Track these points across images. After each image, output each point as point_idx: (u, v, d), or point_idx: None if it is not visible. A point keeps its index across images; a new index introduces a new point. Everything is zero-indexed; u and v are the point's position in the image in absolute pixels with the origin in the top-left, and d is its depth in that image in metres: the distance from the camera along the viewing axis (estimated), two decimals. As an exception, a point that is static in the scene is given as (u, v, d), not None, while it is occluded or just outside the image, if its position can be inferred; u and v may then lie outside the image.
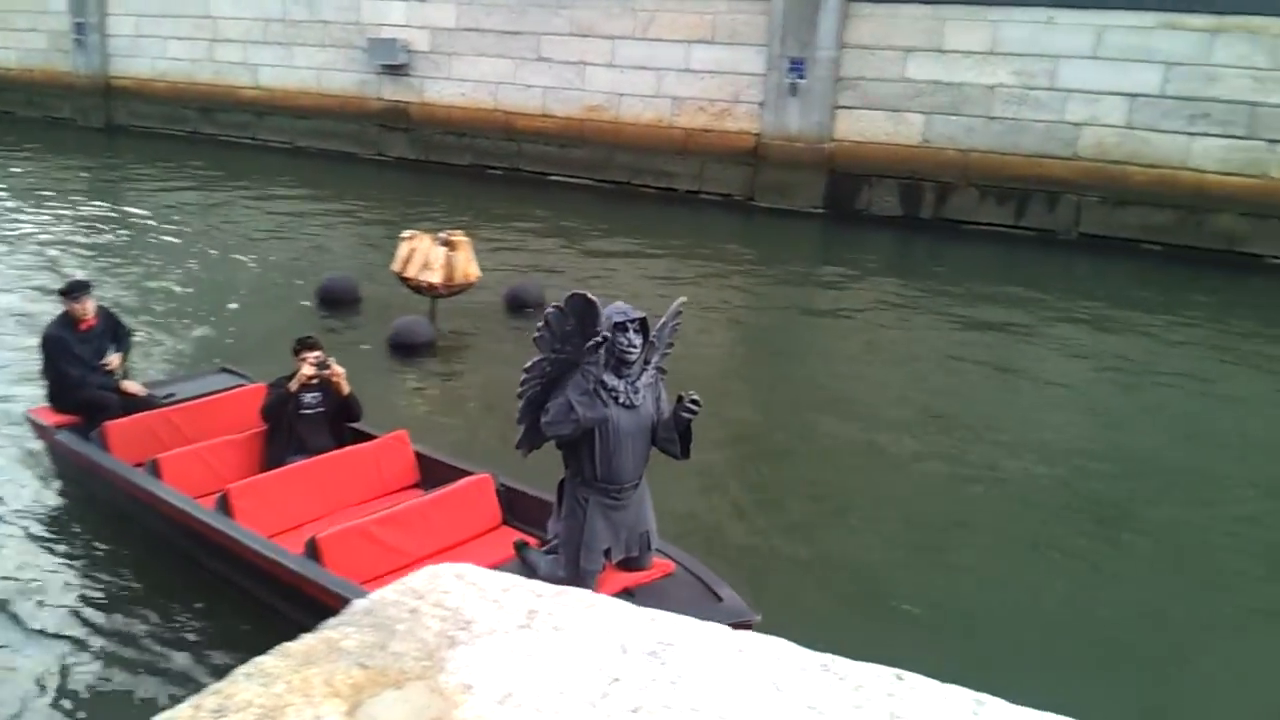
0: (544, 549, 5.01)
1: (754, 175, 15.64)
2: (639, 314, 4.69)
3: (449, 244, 9.88)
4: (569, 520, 4.78)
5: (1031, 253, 13.58)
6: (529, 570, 4.74)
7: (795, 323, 11.33)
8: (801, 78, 14.94)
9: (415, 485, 6.24)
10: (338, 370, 6.34)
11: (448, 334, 10.08)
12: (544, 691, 1.27)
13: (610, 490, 4.72)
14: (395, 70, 18.33)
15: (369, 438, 6.37)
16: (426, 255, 9.80)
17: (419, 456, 6.30)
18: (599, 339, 4.54)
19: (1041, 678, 4.87)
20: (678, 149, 16.15)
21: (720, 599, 4.75)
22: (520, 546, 5.09)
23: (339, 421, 6.45)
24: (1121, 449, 8.01)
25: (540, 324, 4.62)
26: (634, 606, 1.48)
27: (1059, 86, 13.83)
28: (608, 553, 4.79)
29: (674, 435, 4.73)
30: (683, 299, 5.06)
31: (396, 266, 9.98)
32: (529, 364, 4.66)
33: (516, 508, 5.81)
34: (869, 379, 9.47)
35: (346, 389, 6.39)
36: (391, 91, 18.64)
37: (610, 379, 4.62)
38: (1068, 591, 5.97)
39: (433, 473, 6.19)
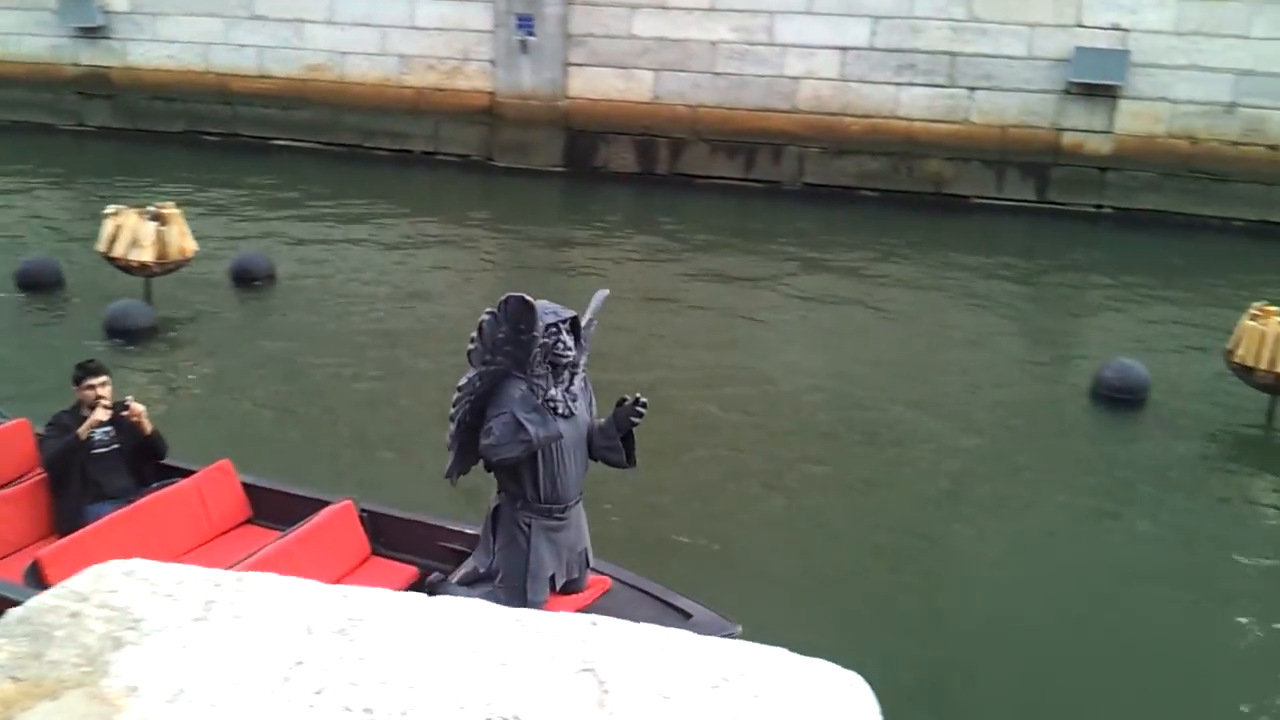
0: (462, 581, 4.46)
1: (491, 135, 15.43)
2: (569, 313, 4.29)
3: (159, 218, 9.21)
4: (509, 550, 4.31)
5: (761, 203, 14.10)
6: None
7: (541, 282, 11.30)
8: (531, 34, 14.81)
9: (248, 521, 5.52)
10: (137, 409, 5.52)
11: (170, 317, 9.42)
12: (218, 684, 1.17)
13: (554, 511, 4.31)
14: (91, 33, 16.84)
15: (184, 472, 5.54)
16: (135, 232, 9.09)
17: (247, 487, 5.56)
18: (544, 342, 4.13)
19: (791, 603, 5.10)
20: (409, 109, 15.69)
21: (689, 615, 4.40)
22: (436, 587, 4.45)
23: (139, 459, 5.63)
24: (852, 378, 8.49)
25: (473, 334, 4.19)
26: (323, 585, 1.38)
27: (777, 41, 14.34)
28: (552, 579, 4.38)
29: (616, 442, 4.36)
30: (604, 291, 4.58)
31: (102, 246, 9.22)
32: (461, 381, 4.22)
33: (385, 534, 5.23)
34: (619, 330, 9.59)
35: (149, 428, 5.57)
36: (89, 56, 17.11)
37: (549, 388, 4.22)
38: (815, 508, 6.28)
39: (267, 504, 5.50)
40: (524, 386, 4.15)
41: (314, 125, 16.06)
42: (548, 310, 4.23)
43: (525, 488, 4.25)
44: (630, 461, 4.44)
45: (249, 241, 11.53)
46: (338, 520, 5.13)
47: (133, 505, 5.20)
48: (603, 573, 4.65)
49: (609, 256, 11.82)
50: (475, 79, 15.43)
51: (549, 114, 15.10)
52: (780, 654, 1.17)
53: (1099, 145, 13.58)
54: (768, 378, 8.53)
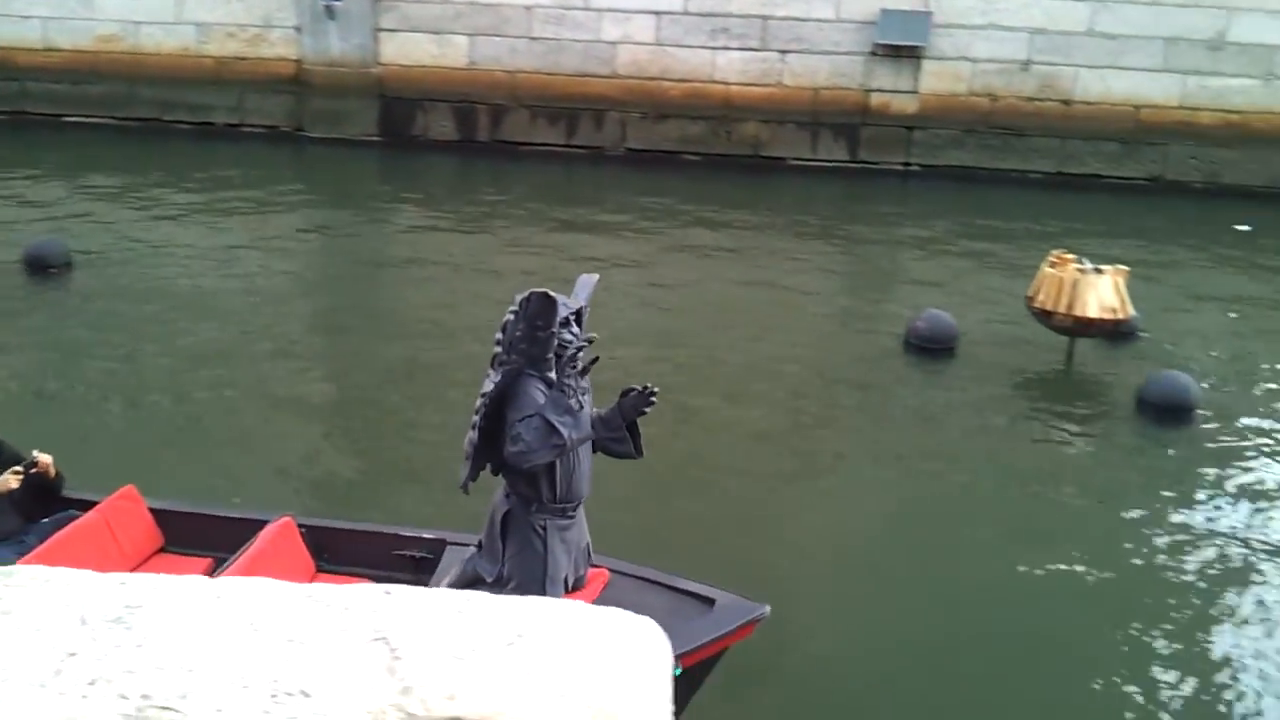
0: (457, 587, 4.15)
1: (299, 104, 14.86)
2: (577, 303, 4.03)
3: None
4: (524, 555, 4.05)
5: (585, 170, 14.07)
6: None
7: (360, 255, 11.00)
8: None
9: (161, 550, 5.04)
10: (44, 461, 4.99)
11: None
12: (-17, 684, 1.08)
13: (568, 510, 4.11)
14: None
15: (85, 504, 5.00)
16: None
17: (156, 513, 5.06)
18: (566, 336, 3.92)
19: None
20: (211, 79, 14.94)
21: (712, 600, 4.29)
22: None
23: (31, 499, 5.04)
24: (678, 341, 8.60)
25: (497, 335, 3.92)
26: (99, 574, 1.29)
27: (593, 6, 14.27)
28: (565, 580, 4.17)
29: (622, 433, 4.16)
30: (594, 276, 4.24)
31: None
32: (487, 387, 3.91)
33: (330, 550, 4.83)
34: (443, 306, 9.42)
35: (54, 472, 5.06)
36: None
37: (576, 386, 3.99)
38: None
39: (185, 529, 5.01)
40: (543, 385, 3.89)
41: (108, 100, 15.10)
42: (561, 303, 3.97)
43: (542, 490, 4.01)
44: (639, 451, 4.24)
45: (42, 225, 10.80)
46: (280, 540, 4.61)
47: (38, 552, 4.63)
48: (597, 565, 4.44)
49: (431, 226, 11.60)
50: (280, 46, 14.80)
51: (361, 81, 14.64)
52: (576, 606, 1.15)
53: (905, 105, 14.09)
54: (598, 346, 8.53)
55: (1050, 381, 8.53)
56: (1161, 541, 6.20)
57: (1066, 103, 13.91)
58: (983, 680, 4.96)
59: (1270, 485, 6.89)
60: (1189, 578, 5.86)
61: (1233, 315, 10.02)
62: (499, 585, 4.02)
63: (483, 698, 1.01)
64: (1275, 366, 8.91)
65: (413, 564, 4.69)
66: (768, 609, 4.26)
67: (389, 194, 13.14)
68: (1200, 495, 6.77)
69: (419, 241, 11.19)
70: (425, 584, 4.33)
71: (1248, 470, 7.08)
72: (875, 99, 14.11)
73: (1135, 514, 6.53)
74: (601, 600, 4.08)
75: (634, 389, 4.07)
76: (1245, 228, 12.49)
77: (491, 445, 3.99)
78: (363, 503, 6.14)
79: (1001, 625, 5.40)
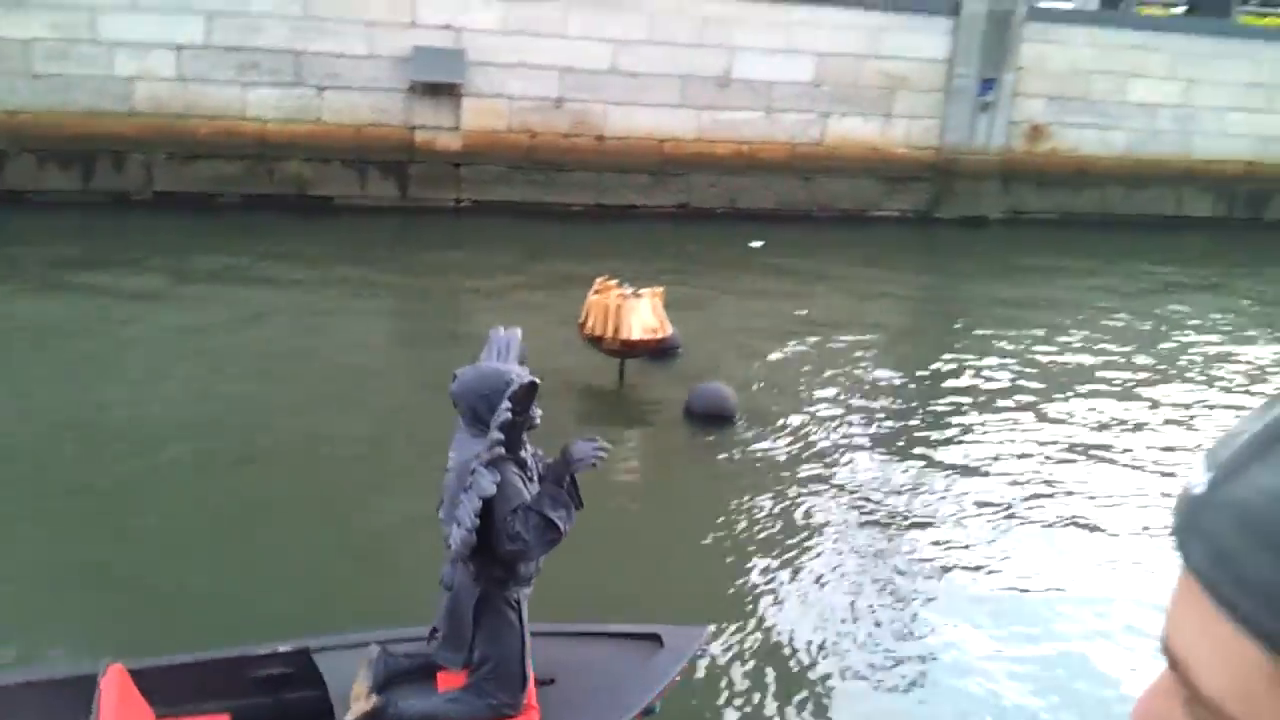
0: (415, 695, 3.88)
1: None
2: (530, 377, 3.76)
3: None
4: (500, 633, 3.82)
5: (108, 218, 12.79)
6: None
7: None
8: None
9: None
10: None
11: None
12: None
13: (533, 578, 3.95)
14: None
15: None
16: None
17: None
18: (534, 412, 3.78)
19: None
20: None
21: (658, 636, 4.30)
22: (385, 712, 3.78)
23: None
24: (238, 398, 8.01)
25: (498, 435, 3.60)
26: None
27: (103, 39, 13.06)
28: None
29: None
30: (517, 330, 4.15)
31: None
32: (509, 499, 3.62)
33: (168, 690, 3.94)
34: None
35: None
36: None
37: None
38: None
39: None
40: (516, 468, 3.74)
41: None
42: (518, 375, 3.79)
43: (521, 570, 3.85)
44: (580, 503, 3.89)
45: None
46: (115, 699, 3.64)
47: None
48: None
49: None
50: None
51: None
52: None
53: (449, 141, 14.23)
54: (142, 418, 7.74)
55: (606, 402, 8.93)
56: (707, 542, 6.65)
57: (599, 138, 14.73)
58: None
59: (803, 474, 7.64)
60: (741, 566, 6.34)
61: (756, 321, 11.09)
62: (474, 670, 3.87)
63: None
64: (795, 366, 9.92)
65: (272, 684, 4.13)
66: (710, 629, 4.49)
67: None
68: (744, 487, 7.35)
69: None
70: (291, 703, 4.13)
71: (781, 462, 7.82)
72: (420, 136, 14.13)
73: (692, 512, 6.96)
74: (550, 661, 4.13)
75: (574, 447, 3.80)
76: (758, 244, 13.90)
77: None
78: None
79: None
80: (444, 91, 13.97)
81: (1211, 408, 9.65)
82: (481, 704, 3.82)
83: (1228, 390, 10.23)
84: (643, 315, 8.54)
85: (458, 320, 11.01)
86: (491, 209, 14.17)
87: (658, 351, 9.05)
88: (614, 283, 8.78)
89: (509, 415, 3.63)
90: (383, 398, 8.52)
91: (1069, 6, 19.18)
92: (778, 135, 15.59)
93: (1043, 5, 17.54)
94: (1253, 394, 10.19)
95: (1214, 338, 11.92)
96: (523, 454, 3.83)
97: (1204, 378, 10.52)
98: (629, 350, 8.69)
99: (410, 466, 7.25)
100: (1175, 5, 20.86)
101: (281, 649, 4.23)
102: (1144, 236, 16.75)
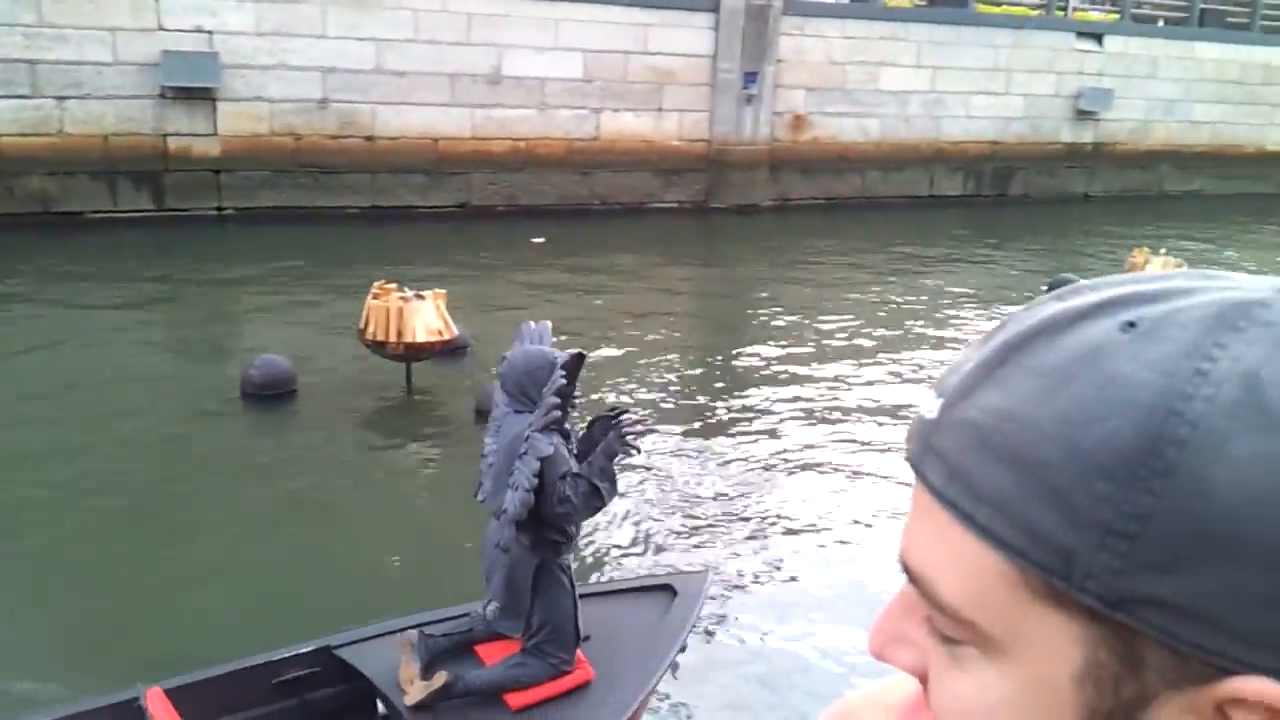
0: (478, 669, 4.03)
1: None
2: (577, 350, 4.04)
3: None
4: (560, 598, 4.04)
5: None
6: (487, 696, 3.94)
7: None
8: None
9: None
10: None
11: None
12: None
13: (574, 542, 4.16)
14: None
15: None
16: None
17: None
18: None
19: None
20: None
21: (670, 586, 4.60)
22: (454, 686, 3.89)
23: None
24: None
25: (555, 401, 3.82)
26: None
27: None
28: None
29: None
30: (546, 323, 4.42)
31: None
32: (549, 452, 3.78)
33: (199, 708, 3.89)
34: None
35: None
36: None
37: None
38: None
39: None
40: (561, 438, 3.89)
41: None
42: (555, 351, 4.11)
43: (571, 532, 4.04)
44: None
45: None
46: None
47: None
48: None
49: None
50: None
51: None
52: None
53: (207, 148, 13.53)
54: None
55: (395, 408, 8.67)
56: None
57: (369, 139, 14.34)
58: None
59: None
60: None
61: (540, 317, 11.02)
62: (532, 635, 4.03)
63: None
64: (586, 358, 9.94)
65: (299, 685, 4.20)
66: (711, 573, 4.88)
67: None
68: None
69: None
70: (316, 702, 4.20)
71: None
72: (174, 143, 13.37)
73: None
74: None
75: (612, 418, 4.01)
76: (540, 239, 13.88)
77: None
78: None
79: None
80: (198, 96, 13.27)
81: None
82: (543, 665, 4.04)
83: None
84: (426, 317, 8.34)
85: (228, 336, 10.46)
86: (259, 216, 13.55)
87: (445, 353, 8.86)
88: (393, 286, 8.53)
89: (563, 382, 3.86)
90: (152, 427, 7.99)
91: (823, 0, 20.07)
92: (553, 131, 15.61)
93: (798, -1, 18.28)
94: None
95: (954, 306, 12.74)
96: (566, 425, 4.02)
97: (954, 337, 11.22)
98: (415, 353, 8.47)
99: (192, 511, 6.83)
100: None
101: (304, 649, 4.29)
102: (902, 216, 17.72)
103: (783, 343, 10.73)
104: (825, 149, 17.94)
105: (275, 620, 5.50)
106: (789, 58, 17.22)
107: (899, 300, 12.83)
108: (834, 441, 8.20)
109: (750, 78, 16.79)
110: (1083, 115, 20.27)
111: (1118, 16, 21.89)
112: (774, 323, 11.48)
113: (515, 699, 3.96)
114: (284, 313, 10.60)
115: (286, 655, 4.26)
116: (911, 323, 11.77)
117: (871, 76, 18.09)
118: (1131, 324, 0.50)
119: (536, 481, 3.75)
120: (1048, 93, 19.86)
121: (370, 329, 8.34)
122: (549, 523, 3.91)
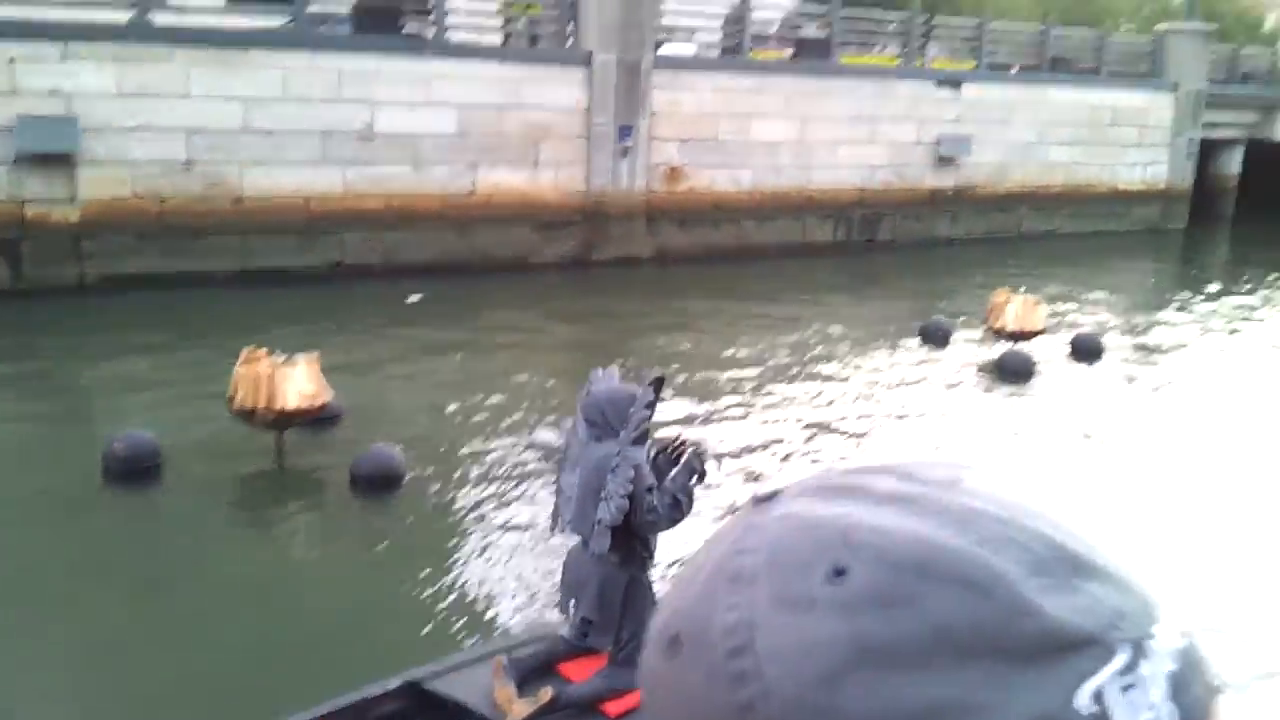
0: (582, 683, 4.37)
1: None
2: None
3: None
4: (640, 609, 4.30)
5: None
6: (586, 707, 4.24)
7: None
8: None
9: None
10: None
11: None
12: None
13: None
14: None
15: None
16: None
17: None
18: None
19: None
20: None
21: None
22: (560, 699, 4.23)
23: None
24: None
25: (646, 413, 4.27)
26: None
27: None
28: None
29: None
30: (614, 368, 4.75)
31: None
32: (644, 478, 4.21)
33: None
34: None
35: None
36: None
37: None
38: None
39: None
40: (644, 459, 4.31)
41: None
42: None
43: (650, 542, 4.43)
44: None
45: None
46: None
47: None
48: None
49: None
50: None
51: None
52: None
53: (67, 214, 13.08)
54: None
55: (266, 479, 8.44)
56: (387, 609, 6.43)
57: (238, 200, 14.06)
58: None
59: (484, 528, 7.56)
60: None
61: (418, 379, 10.94)
62: (621, 647, 4.31)
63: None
64: (467, 421, 9.85)
65: None
66: None
67: None
68: (417, 550, 7.17)
69: None
70: None
71: (456, 520, 7.70)
72: (31, 210, 12.91)
73: (363, 583, 6.69)
74: None
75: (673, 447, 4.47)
76: (416, 297, 13.76)
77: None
78: None
79: None
80: (56, 161, 12.83)
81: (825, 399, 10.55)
82: (632, 673, 4.27)
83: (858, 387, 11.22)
84: (298, 382, 8.16)
85: (90, 411, 10.07)
86: (124, 283, 13.11)
87: (318, 419, 8.67)
88: (263, 351, 8.33)
89: (652, 397, 4.32)
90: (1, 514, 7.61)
91: (691, 53, 20.50)
92: (429, 188, 15.54)
93: (668, 54, 18.64)
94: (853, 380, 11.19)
95: (828, 351, 13.05)
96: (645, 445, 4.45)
97: (833, 377, 11.49)
98: (286, 421, 8.26)
99: (39, 611, 6.52)
100: (785, 50, 22.78)
101: (392, 684, 4.39)
102: (777, 264, 18.12)
103: (665, 394, 10.80)
104: (700, 199, 18.25)
105: None
106: (662, 110, 17.52)
107: (776, 346, 13.07)
108: (713, 489, 8.27)
109: (625, 131, 17.02)
110: (944, 161, 21.07)
111: (974, 65, 22.89)
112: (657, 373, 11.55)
113: (613, 707, 4.21)
114: (149, 384, 10.26)
115: (373, 694, 4.37)
116: (789, 367, 12.00)
117: (742, 128, 18.51)
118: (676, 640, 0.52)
119: (631, 488, 4.16)
120: (910, 140, 20.59)
121: (239, 397, 8.11)
122: (637, 534, 4.33)
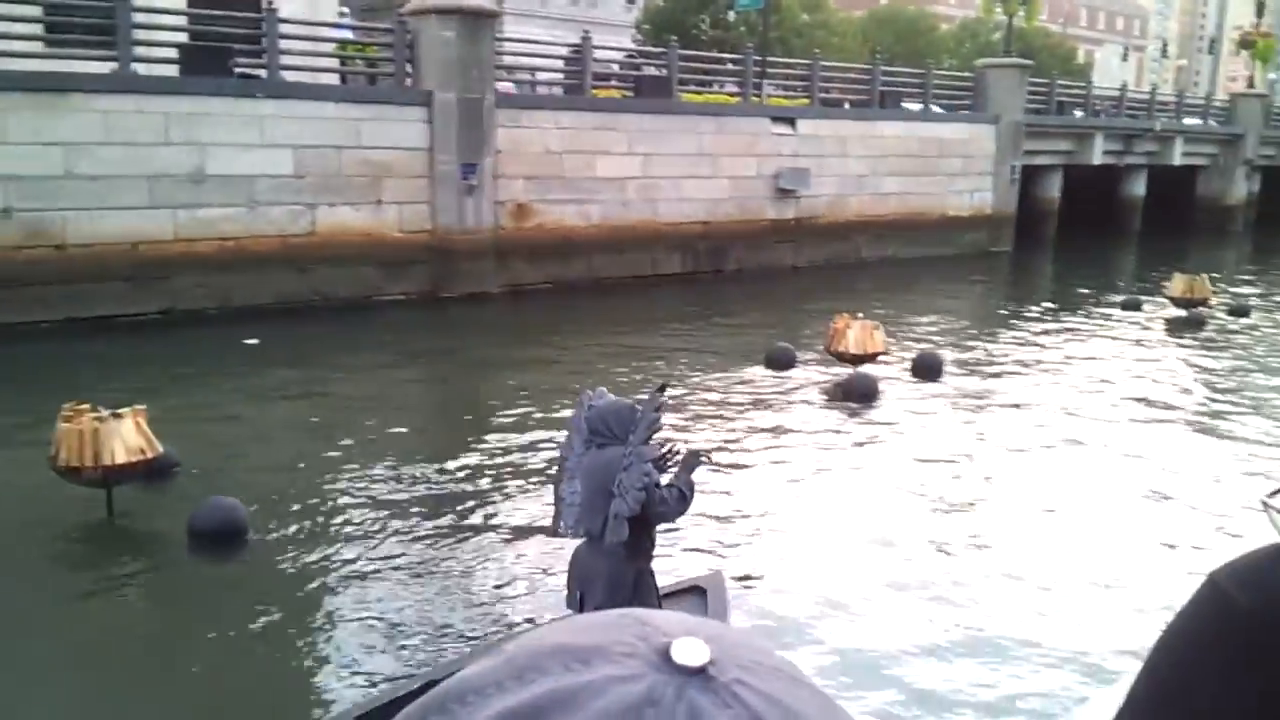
0: None
1: None
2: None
3: None
4: (651, 602, 4.68)
5: None
6: None
7: None
8: None
9: None
10: None
11: None
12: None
13: None
14: None
15: None
16: None
17: None
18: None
19: None
20: None
21: (701, 588, 5.40)
22: None
23: None
24: None
25: (656, 417, 4.64)
26: None
27: None
28: None
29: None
30: (601, 388, 5.04)
31: None
32: (654, 474, 4.59)
33: None
34: None
35: None
36: None
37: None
38: None
39: None
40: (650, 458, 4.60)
41: None
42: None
43: (654, 534, 4.81)
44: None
45: None
46: None
47: None
48: None
49: None
50: None
51: None
52: None
53: None
54: None
55: (96, 539, 7.99)
56: (234, 671, 6.15)
57: (60, 247, 13.40)
58: None
59: (331, 580, 7.30)
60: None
61: (257, 425, 10.56)
62: None
63: None
64: (314, 466, 9.52)
65: None
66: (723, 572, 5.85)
67: None
68: (260, 607, 6.88)
69: None
70: None
71: (304, 573, 7.42)
72: None
73: (201, 649, 6.39)
74: None
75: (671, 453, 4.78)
76: (253, 341, 13.32)
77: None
78: None
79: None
80: None
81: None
82: None
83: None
84: (125, 436, 7.77)
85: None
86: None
87: (149, 474, 8.27)
88: (86, 405, 7.91)
89: (661, 399, 4.72)
90: None
91: (538, 92, 20.63)
92: (266, 229, 15.13)
93: (509, 91, 18.69)
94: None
95: (680, 379, 13.22)
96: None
97: (684, 403, 11.60)
98: (114, 477, 7.85)
99: None
100: (626, 89, 23.10)
101: (416, 685, 4.56)
102: (628, 295, 18.26)
103: (512, 434, 10.72)
104: (550, 234, 18.29)
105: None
106: (507, 148, 17.52)
107: (626, 376, 13.13)
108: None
109: (469, 169, 16.93)
110: (784, 193, 21.68)
111: (808, 101, 23.67)
112: (509, 409, 11.45)
113: None
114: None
115: (400, 694, 4.61)
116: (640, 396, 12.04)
117: (588, 164, 18.66)
118: None
119: (647, 479, 4.51)
120: (750, 174, 21.12)
121: (61, 455, 7.68)
122: (649, 524, 4.71)
